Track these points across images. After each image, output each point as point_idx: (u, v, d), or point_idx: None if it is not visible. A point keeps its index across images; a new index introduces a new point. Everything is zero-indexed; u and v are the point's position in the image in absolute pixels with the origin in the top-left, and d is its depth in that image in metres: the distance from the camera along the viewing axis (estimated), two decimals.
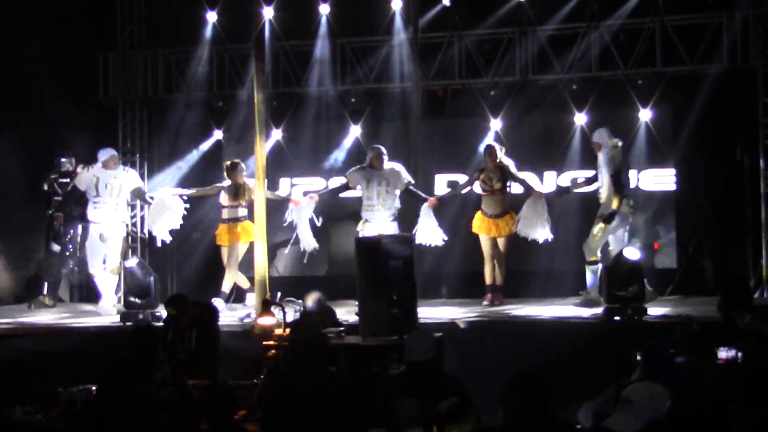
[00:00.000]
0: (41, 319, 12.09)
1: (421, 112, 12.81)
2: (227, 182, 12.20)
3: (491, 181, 11.86)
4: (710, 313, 9.27)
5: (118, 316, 11.55)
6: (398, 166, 11.99)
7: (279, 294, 11.19)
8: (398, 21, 13.60)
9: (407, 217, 11.94)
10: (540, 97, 13.39)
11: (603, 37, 13.12)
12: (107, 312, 12.01)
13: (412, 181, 11.93)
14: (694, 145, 12.96)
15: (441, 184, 13.71)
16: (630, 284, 10.30)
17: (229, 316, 11.47)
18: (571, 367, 9.12)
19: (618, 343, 9.02)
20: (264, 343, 8.97)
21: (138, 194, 12.72)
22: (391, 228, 11.75)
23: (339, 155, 13.85)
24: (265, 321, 9.39)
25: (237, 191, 12.12)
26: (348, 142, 13.86)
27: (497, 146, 12.01)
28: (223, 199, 12.23)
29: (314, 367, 6.51)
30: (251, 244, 11.51)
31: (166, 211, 12.16)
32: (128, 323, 10.96)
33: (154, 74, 14.46)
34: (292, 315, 9.85)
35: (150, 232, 12.67)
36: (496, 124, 13.47)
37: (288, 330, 8.67)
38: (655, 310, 10.56)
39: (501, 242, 11.87)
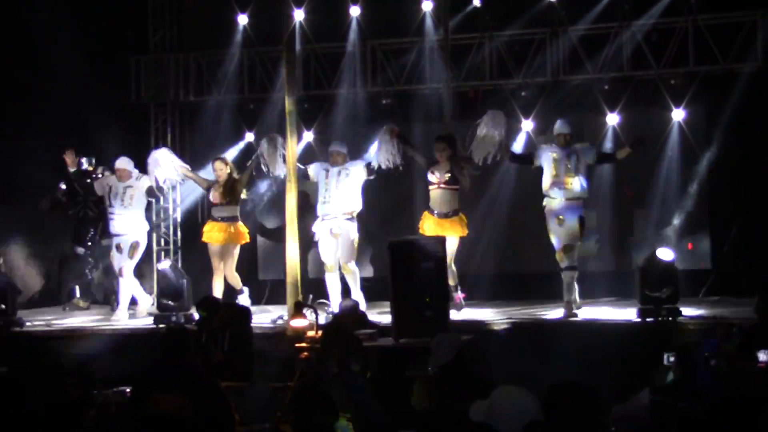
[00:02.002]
0: (75, 322, 12.16)
1: (452, 113, 12.77)
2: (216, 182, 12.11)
3: (439, 175, 11.46)
4: (747, 314, 9.23)
5: (140, 320, 11.60)
6: (358, 161, 11.80)
7: (311, 296, 11.22)
8: (429, 22, 13.59)
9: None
10: (571, 98, 13.31)
11: (635, 37, 13.04)
12: (121, 319, 12.01)
13: (371, 169, 11.72)
14: (726, 144, 12.85)
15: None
16: (664, 285, 10.22)
17: (261, 318, 11.49)
18: (604, 369, 9.06)
19: (651, 345, 8.96)
20: (296, 345, 8.98)
21: (150, 192, 12.53)
22: (349, 228, 11.53)
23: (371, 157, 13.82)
24: (298, 323, 9.40)
25: (228, 188, 12.00)
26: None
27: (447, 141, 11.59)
28: (214, 196, 12.10)
29: (345, 369, 6.50)
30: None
31: (163, 164, 12.20)
32: (161, 326, 11.01)
33: (185, 77, 14.52)
34: (324, 317, 9.87)
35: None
36: (527, 125, 13.41)
37: (320, 332, 8.67)
38: (689, 311, 10.48)
39: (449, 242, 11.01)
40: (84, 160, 13.30)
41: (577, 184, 11.02)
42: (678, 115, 13.00)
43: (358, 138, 13.90)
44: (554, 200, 11.10)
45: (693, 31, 12.83)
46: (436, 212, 11.46)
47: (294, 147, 10.65)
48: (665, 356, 7.26)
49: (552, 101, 13.34)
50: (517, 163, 11.95)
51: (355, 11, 13.81)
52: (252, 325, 9.72)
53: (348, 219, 11.58)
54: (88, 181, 13.08)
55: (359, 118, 13.97)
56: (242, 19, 14.18)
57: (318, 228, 11.52)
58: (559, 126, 11.29)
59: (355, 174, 11.62)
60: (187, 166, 12.60)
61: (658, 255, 10.53)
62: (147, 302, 12.36)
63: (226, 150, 13.89)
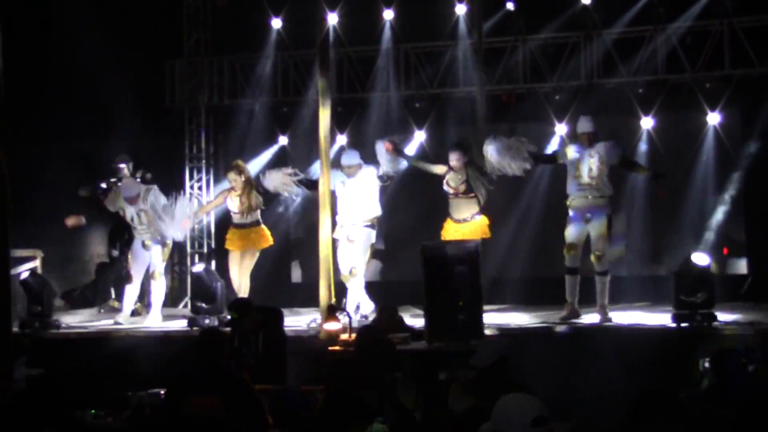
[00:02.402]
0: (110, 324, 12.23)
1: (485, 117, 12.75)
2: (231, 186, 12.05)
3: (456, 184, 11.33)
4: None
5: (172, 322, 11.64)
6: (372, 168, 11.61)
7: (345, 300, 11.22)
8: (462, 26, 13.60)
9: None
10: (606, 101, 13.26)
11: (670, 40, 12.97)
12: (154, 323, 12.01)
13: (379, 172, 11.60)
14: (763, 148, 12.74)
15: None
16: (699, 290, 10.14)
17: (294, 320, 11.51)
18: (639, 375, 9.01)
19: (687, 351, 8.90)
20: (329, 348, 8.98)
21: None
22: (365, 234, 11.45)
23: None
24: (331, 326, 9.40)
25: (244, 197, 11.91)
26: (413, 147, 13.84)
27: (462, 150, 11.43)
28: (231, 205, 12.04)
29: (379, 372, 6.50)
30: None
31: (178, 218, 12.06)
32: (195, 328, 11.05)
33: (219, 81, 14.59)
34: (357, 320, 9.87)
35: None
36: (561, 129, 13.38)
37: (354, 335, 8.67)
38: (725, 317, 10.40)
39: None
40: (122, 165, 13.25)
41: (599, 183, 10.91)
42: (713, 118, 12.92)
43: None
44: (576, 200, 10.99)
45: (729, 33, 12.74)
46: (455, 218, 11.40)
47: (328, 150, 10.65)
48: (700, 362, 7.21)
49: (586, 105, 13.27)
50: (543, 164, 11.84)
51: (388, 14, 13.83)
52: (287, 328, 9.72)
53: (367, 225, 11.49)
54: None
55: (392, 122, 13.97)
56: (276, 23, 14.23)
57: (338, 235, 11.46)
58: (581, 125, 11.13)
59: (370, 181, 11.51)
60: (199, 209, 12.62)
61: (693, 259, 10.45)
62: (128, 314, 12.26)
63: (260, 153, 13.94)
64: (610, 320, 10.71)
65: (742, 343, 7.07)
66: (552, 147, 12.87)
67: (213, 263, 13.94)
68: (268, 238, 12.06)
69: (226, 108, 14.67)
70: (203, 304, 11.49)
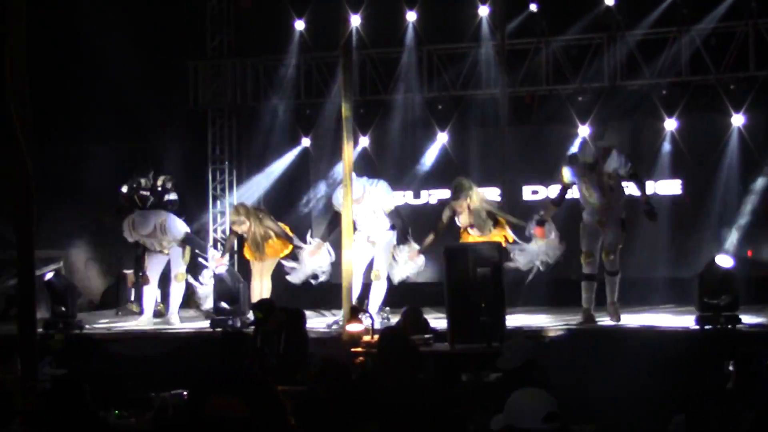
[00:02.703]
0: (134, 325, 12.28)
1: (508, 118, 12.74)
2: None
3: (467, 226, 11.18)
4: None
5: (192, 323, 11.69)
6: (382, 186, 11.44)
7: (367, 301, 11.22)
8: (485, 28, 13.60)
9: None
10: (629, 103, 13.23)
11: (694, 41, 12.92)
12: (173, 323, 12.07)
13: (394, 204, 11.50)
14: None
15: (527, 194, 13.62)
16: (723, 292, 10.09)
17: (317, 322, 11.53)
18: (662, 377, 8.97)
19: (710, 353, 8.86)
20: (352, 350, 8.99)
21: (188, 242, 12.23)
22: (385, 237, 11.39)
23: (426, 162, 13.84)
24: (353, 328, 9.41)
25: (254, 243, 11.84)
26: (435, 149, 13.85)
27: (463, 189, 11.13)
28: (247, 252, 12.08)
29: (402, 374, 6.50)
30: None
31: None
32: (218, 329, 11.08)
33: (242, 82, 14.64)
34: (379, 322, 9.87)
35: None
36: (584, 131, 13.35)
37: (376, 337, 8.67)
38: (749, 319, 10.34)
39: None
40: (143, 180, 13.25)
41: (610, 199, 10.69)
42: (737, 120, 12.86)
43: (414, 143, 13.94)
44: (590, 215, 10.86)
45: (753, 34, 12.69)
46: (474, 233, 11.28)
47: (350, 152, 10.66)
48: (727, 364, 7.17)
49: (609, 106, 13.26)
50: (562, 201, 11.57)
51: (411, 16, 13.84)
52: (309, 329, 9.72)
53: (387, 229, 11.46)
54: (147, 193, 13.12)
55: (415, 123, 13.98)
56: (299, 25, 14.27)
57: (357, 237, 11.40)
58: (581, 153, 10.95)
59: (381, 200, 11.35)
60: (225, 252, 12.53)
61: (717, 262, 10.40)
62: (149, 316, 12.29)
63: (282, 155, 13.97)
64: (619, 320, 10.66)
65: (766, 345, 7.03)
66: (573, 150, 12.83)
67: (235, 264, 13.98)
68: (282, 248, 12.01)
69: (249, 109, 14.71)
70: (226, 306, 11.52)
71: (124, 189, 13.21)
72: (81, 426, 5.86)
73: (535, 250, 11.01)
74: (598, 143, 11.16)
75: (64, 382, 6.07)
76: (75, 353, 10.40)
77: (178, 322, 12.09)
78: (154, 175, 13.29)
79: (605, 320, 10.86)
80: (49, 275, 11.90)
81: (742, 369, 6.46)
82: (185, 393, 7.09)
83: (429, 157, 13.68)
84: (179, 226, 12.16)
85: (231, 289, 11.61)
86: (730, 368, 6.92)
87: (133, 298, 13.49)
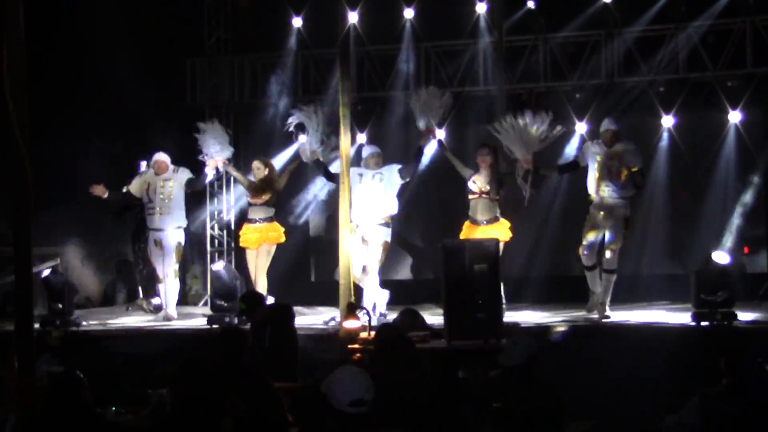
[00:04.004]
0: (130, 321, 12.29)
1: (505, 115, 12.73)
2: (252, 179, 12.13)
3: (480, 184, 11.26)
4: None
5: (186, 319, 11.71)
6: (394, 165, 11.52)
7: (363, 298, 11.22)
8: (482, 24, 13.61)
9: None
10: (626, 100, 13.24)
11: (691, 38, 12.93)
12: (170, 317, 12.09)
13: (407, 179, 11.52)
14: None
15: None
16: (719, 289, 10.12)
17: (313, 319, 11.55)
18: (659, 373, 8.99)
19: (706, 350, 8.88)
20: (349, 346, 8.99)
21: (192, 184, 12.40)
22: (380, 233, 11.36)
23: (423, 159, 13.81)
24: (350, 324, 9.42)
25: (264, 186, 11.99)
26: (432, 145, 13.82)
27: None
28: (250, 195, 12.13)
29: (399, 371, 6.50)
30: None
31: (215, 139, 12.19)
32: (215, 326, 11.09)
33: (240, 80, 14.63)
34: (376, 319, 9.87)
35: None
36: (581, 128, 13.36)
37: (373, 334, 8.67)
38: (745, 316, 10.37)
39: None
40: (143, 163, 13.29)
41: (618, 185, 10.85)
42: (735, 117, 12.87)
43: (411, 139, 13.92)
44: (597, 200, 10.97)
45: (751, 31, 12.70)
46: (476, 220, 11.33)
47: (347, 149, 10.67)
48: (722, 361, 7.18)
49: (606, 103, 13.27)
50: (567, 173, 11.78)
51: (409, 13, 13.84)
52: (303, 325, 9.74)
53: (382, 224, 11.36)
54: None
55: (412, 120, 13.96)
56: (297, 22, 14.28)
57: (354, 234, 11.25)
58: (604, 123, 11.12)
59: (390, 178, 11.38)
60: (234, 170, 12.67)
61: (714, 258, 10.43)
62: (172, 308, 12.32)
63: (281, 152, 13.96)
64: (608, 317, 10.70)
65: (761, 342, 7.04)
66: (571, 147, 12.84)
67: (233, 261, 13.99)
68: (280, 235, 12.06)
69: (247, 107, 14.71)
70: (223, 302, 11.52)
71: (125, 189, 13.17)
72: (79, 422, 5.87)
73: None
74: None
75: (63, 379, 6.08)
76: (72, 350, 10.42)
77: (175, 317, 12.11)
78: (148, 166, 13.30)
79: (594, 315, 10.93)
80: (46, 272, 11.90)
81: (735, 366, 6.48)
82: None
83: (426, 154, 13.65)
84: (186, 173, 12.33)
85: (228, 286, 11.62)
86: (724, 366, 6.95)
87: (142, 295, 13.50)
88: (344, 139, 10.52)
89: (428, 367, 8.37)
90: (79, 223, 14.39)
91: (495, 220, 11.28)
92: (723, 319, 9.98)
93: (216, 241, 14.54)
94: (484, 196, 11.27)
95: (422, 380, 6.75)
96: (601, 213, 10.88)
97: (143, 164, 13.05)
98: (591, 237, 10.91)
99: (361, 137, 13.95)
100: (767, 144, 12.87)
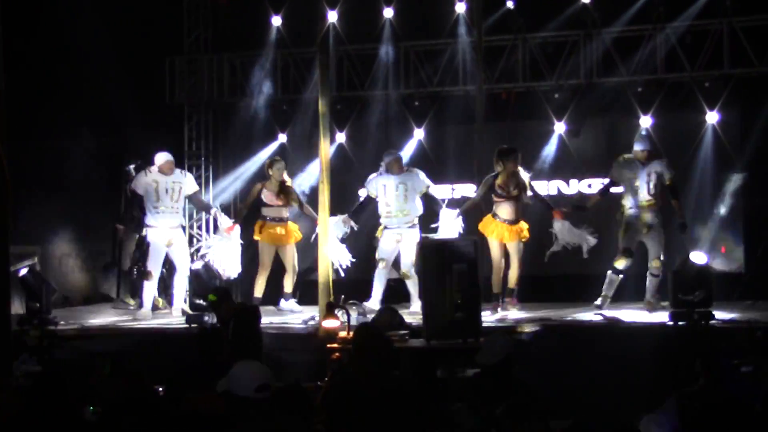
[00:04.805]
0: (110, 321, 12.25)
1: (484, 115, 12.77)
2: (269, 181, 12.22)
3: (509, 188, 11.62)
4: None
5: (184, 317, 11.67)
6: (417, 170, 12.05)
7: (342, 297, 11.23)
8: (462, 24, 13.61)
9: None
10: (605, 100, 13.29)
11: (669, 39, 12.99)
12: (182, 312, 12.14)
13: (431, 185, 12.03)
14: (762, 148, 12.75)
15: None
16: (697, 288, 10.18)
17: (293, 318, 11.55)
18: (636, 372, 9.04)
19: (683, 349, 8.93)
20: (328, 345, 9.00)
21: (196, 201, 12.68)
22: (411, 235, 11.77)
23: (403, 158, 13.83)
24: (330, 324, 9.43)
25: (279, 189, 12.13)
26: (411, 145, 13.87)
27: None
28: (268, 196, 12.20)
29: (377, 370, 6.52)
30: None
31: (228, 247, 12.23)
32: (193, 326, 11.07)
33: (219, 78, 14.58)
34: (355, 318, 9.88)
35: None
36: (560, 127, 13.41)
37: (352, 333, 8.68)
38: (722, 315, 10.43)
39: (513, 246, 11.67)
40: (131, 167, 13.24)
41: (658, 200, 11.42)
42: (712, 117, 12.94)
43: (391, 139, 13.95)
44: (633, 214, 11.48)
45: (728, 33, 12.75)
46: (502, 219, 11.63)
47: (327, 148, 10.68)
48: (698, 362, 7.23)
49: (585, 104, 13.32)
50: (607, 195, 12.04)
51: (388, 13, 13.84)
52: (280, 324, 9.71)
53: (411, 227, 11.86)
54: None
55: (392, 120, 14.00)
56: (276, 21, 14.25)
57: (384, 235, 11.89)
58: (639, 143, 11.63)
59: (414, 184, 11.89)
60: (240, 212, 12.74)
61: (692, 258, 10.50)
62: (148, 310, 12.32)
63: (260, 150, 13.95)
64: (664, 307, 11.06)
65: (737, 341, 7.09)
66: (550, 148, 12.93)
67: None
68: (297, 233, 12.32)
69: (226, 105, 14.68)
70: (202, 302, 11.50)
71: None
72: (61, 422, 5.86)
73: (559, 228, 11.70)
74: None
75: (44, 378, 6.06)
76: (50, 349, 10.38)
77: (150, 316, 12.10)
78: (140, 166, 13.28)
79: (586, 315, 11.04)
80: (23, 271, 11.85)
81: (710, 366, 6.52)
82: (161, 389, 7.11)
83: (405, 154, 13.68)
84: (193, 182, 12.57)
85: (207, 286, 11.60)
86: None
87: (129, 293, 13.46)
88: (323, 138, 10.53)
89: (407, 366, 8.41)
90: (58, 222, 14.34)
91: (516, 221, 11.66)
92: (700, 318, 10.04)
93: (195, 240, 14.50)
94: (511, 199, 11.62)
95: (400, 379, 6.77)
96: (644, 230, 11.40)
97: (132, 168, 13.00)
98: (628, 243, 11.45)
99: (341, 136, 13.96)
100: (744, 144, 12.93)
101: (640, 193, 11.40)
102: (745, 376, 6.45)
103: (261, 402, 5.35)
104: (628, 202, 11.50)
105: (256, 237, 12.25)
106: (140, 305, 12.34)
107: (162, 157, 12.28)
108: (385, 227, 11.90)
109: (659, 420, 5.87)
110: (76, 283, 14.79)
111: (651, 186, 11.39)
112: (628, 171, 11.49)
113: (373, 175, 12.10)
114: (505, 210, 11.63)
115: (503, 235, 11.61)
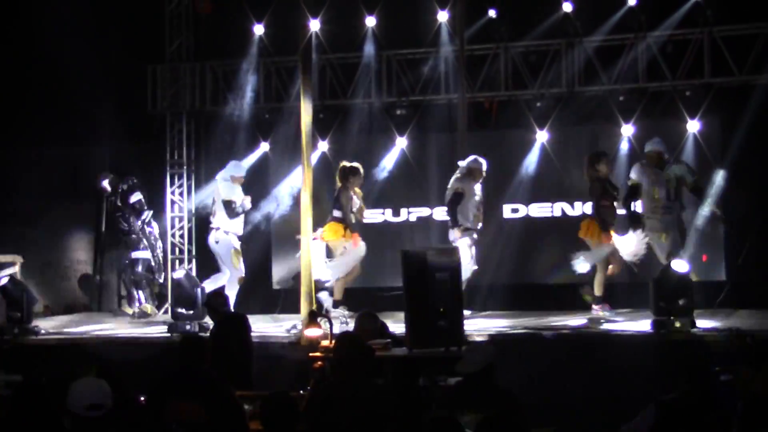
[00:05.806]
0: (92, 330, 12.21)
1: (467, 123, 12.80)
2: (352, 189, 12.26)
3: (614, 191, 11.89)
4: (762, 326, 9.20)
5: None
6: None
7: (324, 305, 11.23)
8: (444, 33, 13.65)
9: None
10: (586, 109, 13.34)
11: (650, 48, 13.05)
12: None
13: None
14: (742, 156, 12.81)
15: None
16: (678, 297, 10.20)
17: (275, 327, 11.53)
18: (617, 380, 9.05)
19: (664, 357, 8.96)
20: (310, 354, 8.98)
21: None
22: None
23: (386, 167, 13.85)
24: (312, 332, 9.41)
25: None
26: (394, 153, 13.88)
27: None
28: (353, 203, 12.29)
29: (360, 378, 6.52)
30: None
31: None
32: (175, 334, 11.04)
33: (201, 86, 14.57)
34: (338, 326, 9.86)
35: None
36: (542, 136, 13.45)
37: (334, 342, 8.66)
38: (704, 323, 10.46)
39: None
40: (105, 182, 13.28)
41: (677, 203, 11.71)
42: (693, 126, 13.01)
43: (373, 148, 13.96)
44: (651, 219, 11.70)
45: (709, 42, 12.83)
46: (608, 222, 11.78)
47: (309, 158, 10.68)
48: (677, 369, 7.24)
49: (567, 112, 13.37)
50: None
51: (370, 21, 13.86)
52: (263, 333, 9.68)
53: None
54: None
55: (374, 128, 14.01)
56: (258, 29, 14.25)
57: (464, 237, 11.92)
58: (648, 144, 11.91)
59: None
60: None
61: (673, 266, 10.52)
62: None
63: (242, 159, 13.92)
64: None
65: (719, 350, 7.10)
66: (532, 156, 12.99)
67: (193, 269, 13.94)
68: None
69: (208, 114, 14.66)
70: (184, 310, 11.48)
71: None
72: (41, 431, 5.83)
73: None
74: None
75: (26, 388, 6.04)
76: (30, 359, 10.34)
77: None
78: (116, 179, 13.28)
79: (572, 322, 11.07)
80: (4, 280, 11.80)
81: (691, 374, 6.53)
82: (143, 398, 7.09)
83: (388, 162, 13.69)
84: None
85: (189, 294, 11.58)
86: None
87: (144, 301, 13.46)
88: (306, 147, 10.53)
89: (389, 375, 8.40)
90: (38, 231, 14.28)
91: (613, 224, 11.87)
92: (682, 326, 10.06)
93: (176, 249, 14.47)
94: (615, 203, 11.87)
95: (382, 388, 6.77)
96: (663, 235, 11.67)
97: (105, 182, 13.04)
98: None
99: (323, 145, 13.96)
100: (725, 152, 12.99)
101: (659, 197, 11.66)
102: (724, 384, 6.47)
103: (94, 420, 5.51)
104: (645, 205, 11.74)
105: (343, 242, 12.19)
106: (139, 314, 12.38)
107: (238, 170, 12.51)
108: (468, 229, 11.91)
109: (637, 428, 5.89)
110: (57, 292, 14.73)
111: (671, 189, 11.69)
112: (645, 174, 11.72)
113: (458, 176, 12.04)
114: (612, 215, 11.89)
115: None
